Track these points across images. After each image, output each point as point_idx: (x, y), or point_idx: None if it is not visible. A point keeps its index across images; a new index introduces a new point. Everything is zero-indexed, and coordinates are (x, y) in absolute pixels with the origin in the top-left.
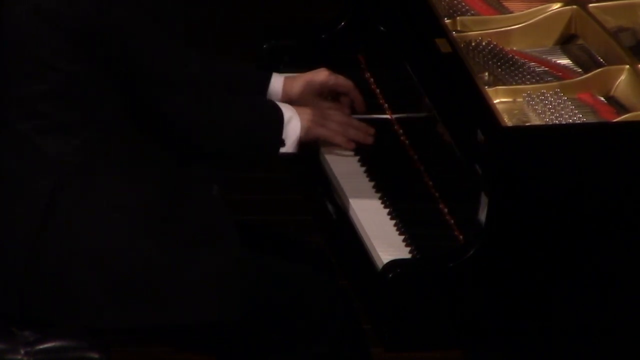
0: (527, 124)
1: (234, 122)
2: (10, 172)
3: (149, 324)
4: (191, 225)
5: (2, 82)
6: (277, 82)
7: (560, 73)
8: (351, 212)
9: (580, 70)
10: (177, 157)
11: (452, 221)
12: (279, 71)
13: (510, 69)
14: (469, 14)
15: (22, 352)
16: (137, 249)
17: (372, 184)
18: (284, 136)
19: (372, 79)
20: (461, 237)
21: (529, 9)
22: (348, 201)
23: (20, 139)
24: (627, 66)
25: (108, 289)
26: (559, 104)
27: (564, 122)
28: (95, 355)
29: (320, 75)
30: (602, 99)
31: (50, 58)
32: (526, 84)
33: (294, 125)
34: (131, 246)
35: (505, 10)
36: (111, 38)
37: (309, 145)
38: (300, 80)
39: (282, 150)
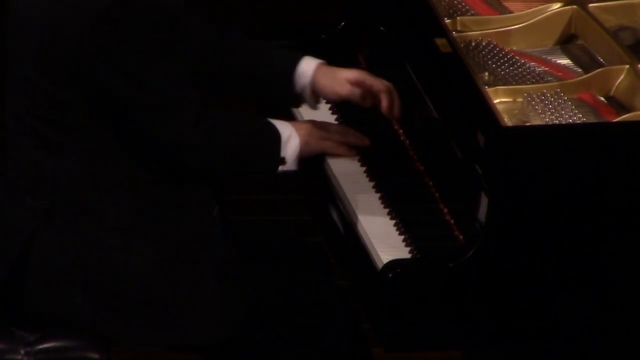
0: (527, 124)
1: (229, 146)
2: (12, 181)
3: (147, 342)
4: (186, 241)
5: (10, 96)
6: (308, 66)
7: (561, 73)
8: (351, 212)
9: (580, 70)
10: (172, 178)
11: (452, 221)
12: None
13: (510, 69)
14: (469, 14)
15: (22, 352)
16: (130, 267)
17: (372, 184)
18: (282, 155)
19: None
20: (461, 237)
21: (529, 9)
22: (348, 201)
23: (23, 152)
24: (627, 66)
25: (102, 308)
26: (559, 104)
27: (564, 122)
28: (95, 355)
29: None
30: (602, 99)
31: (41, 81)
32: (526, 84)
33: (293, 143)
34: (124, 265)
35: (505, 10)
36: (109, 78)
37: (313, 159)
38: (337, 77)
39: (283, 168)
